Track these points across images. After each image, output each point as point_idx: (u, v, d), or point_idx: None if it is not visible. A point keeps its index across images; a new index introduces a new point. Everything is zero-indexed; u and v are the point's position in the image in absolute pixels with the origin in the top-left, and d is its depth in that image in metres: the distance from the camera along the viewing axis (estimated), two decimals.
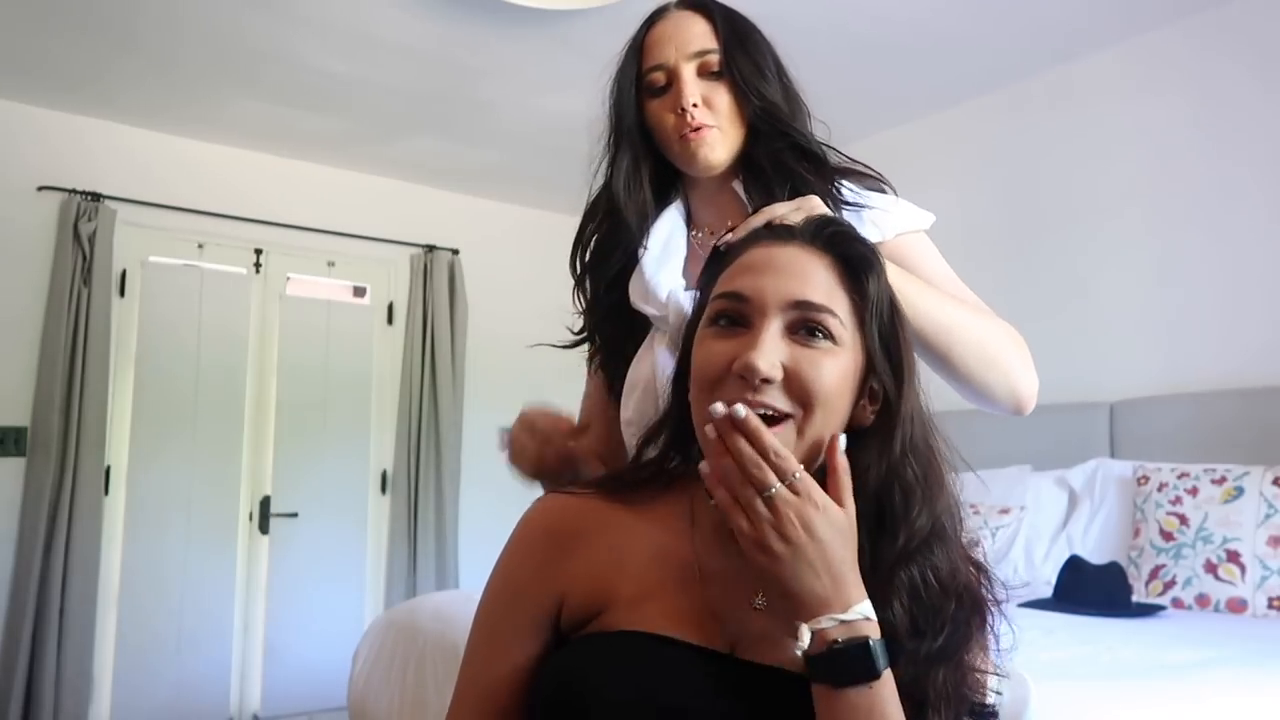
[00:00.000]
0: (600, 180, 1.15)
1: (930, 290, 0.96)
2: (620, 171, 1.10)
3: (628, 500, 0.82)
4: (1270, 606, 2.11)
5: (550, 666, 0.77)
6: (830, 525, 0.68)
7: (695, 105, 1.05)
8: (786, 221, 0.83)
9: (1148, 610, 2.14)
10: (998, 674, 0.77)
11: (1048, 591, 2.35)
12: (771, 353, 0.72)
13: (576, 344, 1.17)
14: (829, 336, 0.74)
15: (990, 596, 0.76)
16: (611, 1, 2.60)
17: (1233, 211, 2.73)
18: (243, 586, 3.87)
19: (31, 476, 3.38)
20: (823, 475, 0.75)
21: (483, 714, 0.80)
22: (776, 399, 0.72)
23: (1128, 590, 2.18)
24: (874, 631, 0.67)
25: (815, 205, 0.88)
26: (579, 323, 1.17)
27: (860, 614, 0.67)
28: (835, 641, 0.66)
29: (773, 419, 0.72)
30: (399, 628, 2.36)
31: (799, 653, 0.67)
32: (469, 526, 4.34)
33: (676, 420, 0.82)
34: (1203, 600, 2.20)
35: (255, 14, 2.86)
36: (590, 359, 1.19)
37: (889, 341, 0.77)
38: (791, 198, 0.99)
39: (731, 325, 0.76)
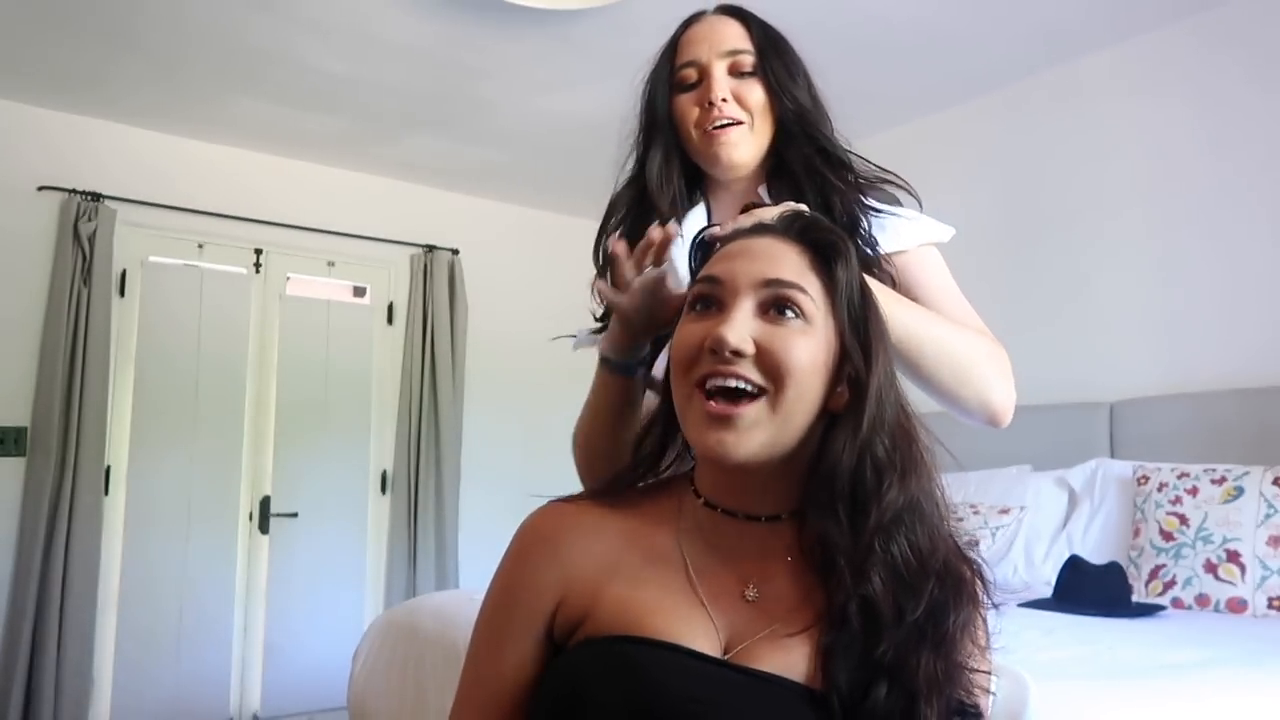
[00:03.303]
0: (626, 175, 1.17)
1: (905, 304, 0.98)
2: (653, 164, 1.13)
3: (618, 503, 0.84)
4: (1270, 606, 2.11)
5: (550, 675, 0.78)
6: None
7: (725, 100, 1.08)
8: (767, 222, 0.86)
9: (1148, 610, 2.14)
10: (990, 673, 0.78)
11: (1048, 591, 2.35)
12: (741, 327, 0.75)
13: (597, 332, 1.17)
14: (800, 314, 0.76)
15: (979, 585, 0.77)
16: (612, 1, 2.60)
17: (1232, 212, 2.73)
18: (243, 586, 3.87)
19: (31, 476, 3.38)
20: (799, 465, 0.77)
21: (486, 718, 0.81)
22: (749, 372, 0.74)
23: (1128, 590, 2.18)
24: None
25: (791, 206, 0.91)
26: (587, 320, 1.18)
27: None
28: None
29: (744, 394, 0.74)
30: (399, 628, 2.36)
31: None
32: (469, 526, 4.34)
33: (665, 418, 0.84)
34: (1203, 600, 2.20)
35: (255, 14, 2.86)
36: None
37: (859, 323, 0.79)
38: (821, 203, 1.03)
39: (706, 309, 0.78)
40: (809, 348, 0.75)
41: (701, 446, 0.76)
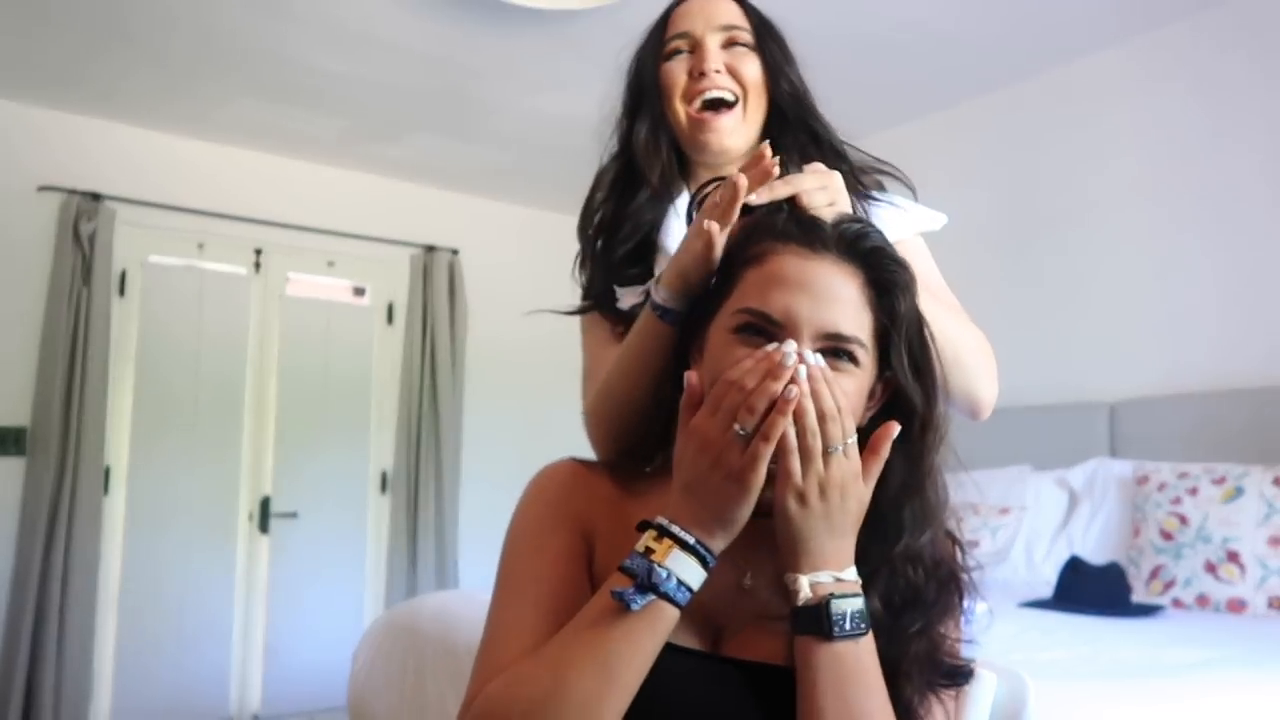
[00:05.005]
0: (610, 150, 1.13)
1: None
2: (640, 135, 1.08)
3: (625, 482, 0.85)
4: (1270, 606, 2.11)
5: None
6: (857, 497, 0.72)
7: (718, 71, 1.04)
8: (815, 212, 0.80)
9: (1147, 610, 2.14)
10: (967, 641, 0.80)
11: (1048, 591, 2.35)
12: None
13: (581, 310, 1.13)
14: (855, 362, 0.75)
15: (965, 571, 0.80)
16: (611, 1, 2.60)
17: (1233, 211, 2.73)
18: (242, 586, 3.87)
19: (31, 476, 3.38)
20: None
21: (551, 610, 0.77)
22: None
23: (1127, 590, 2.19)
24: (861, 592, 0.72)
25: (843, 197, 0.85)
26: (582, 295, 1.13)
27: (853, 575, 0.72)
28: (831, 595, 0.70)
29: None
30: (399, 628, 2.36)
31: (799, 601, 0.71)
32: (469, 526, 4.33)
33: (668, 415, 0.82)
34: (1203, 600, 2.20)
35: (256, 14, 2.86)
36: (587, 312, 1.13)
37: (919, 362, 0.78)
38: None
39: (755, 336, 0.75)
40: (856, 389, 0.75)
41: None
